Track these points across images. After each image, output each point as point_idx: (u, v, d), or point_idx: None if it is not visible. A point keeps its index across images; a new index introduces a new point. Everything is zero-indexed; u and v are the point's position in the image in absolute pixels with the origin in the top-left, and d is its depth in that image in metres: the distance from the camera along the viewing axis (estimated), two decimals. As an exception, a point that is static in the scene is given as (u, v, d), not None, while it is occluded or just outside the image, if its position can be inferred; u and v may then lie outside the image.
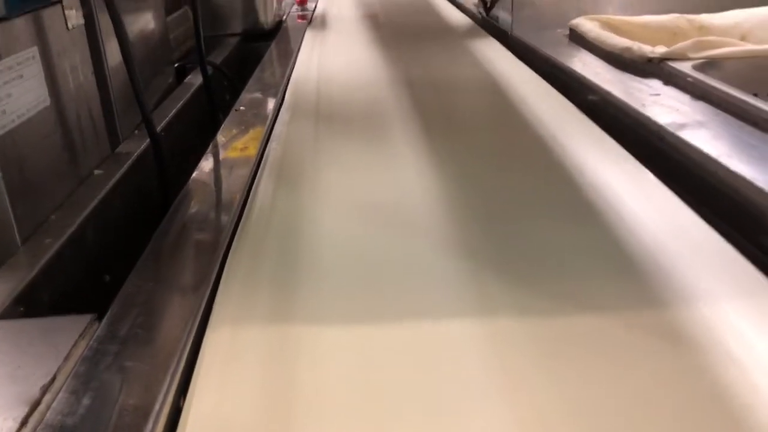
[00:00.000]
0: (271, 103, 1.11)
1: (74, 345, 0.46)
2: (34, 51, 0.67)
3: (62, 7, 0.74)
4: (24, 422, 0.38)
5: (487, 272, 0.57)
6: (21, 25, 0.65)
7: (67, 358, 0.45)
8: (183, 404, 0.43)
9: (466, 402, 0.42)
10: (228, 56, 1.55)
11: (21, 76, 0.64)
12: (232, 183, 0.78)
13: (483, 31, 1.65)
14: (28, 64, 0.66)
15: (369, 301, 0.54)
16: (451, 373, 0.45)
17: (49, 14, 0.71)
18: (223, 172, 0.84)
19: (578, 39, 1.28)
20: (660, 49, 1.00)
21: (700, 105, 0.85)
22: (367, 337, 0.49)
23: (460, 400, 0.42)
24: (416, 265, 0.58)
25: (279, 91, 1.18)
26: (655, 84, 0.96)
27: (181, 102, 1.09)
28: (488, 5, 1.69)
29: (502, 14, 1.59)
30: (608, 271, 0.56)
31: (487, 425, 0.40)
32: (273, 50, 1.58)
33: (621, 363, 0.45)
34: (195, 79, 1.22)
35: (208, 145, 0.92)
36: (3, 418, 0.38)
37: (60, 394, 0.41)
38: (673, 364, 0.45)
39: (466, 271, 0.57)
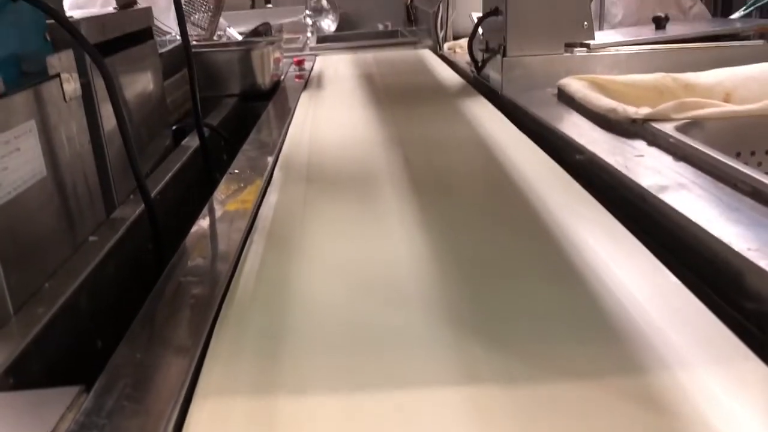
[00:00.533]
0: (266, 164, 1.13)
1: (61, 418, 0.47)
2: (31, 124, 0.69)
3: (60, 80, 0.76)
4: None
5: (472, 337, 0.58)
6: (19, 100, 0.68)
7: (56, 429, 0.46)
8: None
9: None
10: (226, 116, 1.59)
11: (18, 149, 0.67)
12: (224, 247, 0.80)
13: (474, 91, 1.69)
14: (26, 138, 0.68)
15: (355, 369, 0.54)
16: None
17: (47, 87, 0.74)
18: (217, 234, 0.85)
19: (566, 99, 1.31)
20: (644, 111, 1.03)
21: (682, 166, 0.87)
22: (352, 406, 0.50)
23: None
24: (401, 331, 0.59)
25: (274, 151, 1.20)
26: (640, 145, 0.98)
27: (178, 164, 1.12)
28: (479, 65, 1.74)
29: (492, 74, 1.63)
30: (589, 336, 0.57)
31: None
32: (270, 110, 1.62)
33: (601, 429, 0.46)
34: (192, 141, 1.25)
35: (203, 208, 0.94)
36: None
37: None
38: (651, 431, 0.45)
39: (451, 336, 0.58)
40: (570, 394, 0.50)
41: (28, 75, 0.73)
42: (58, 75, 0.76)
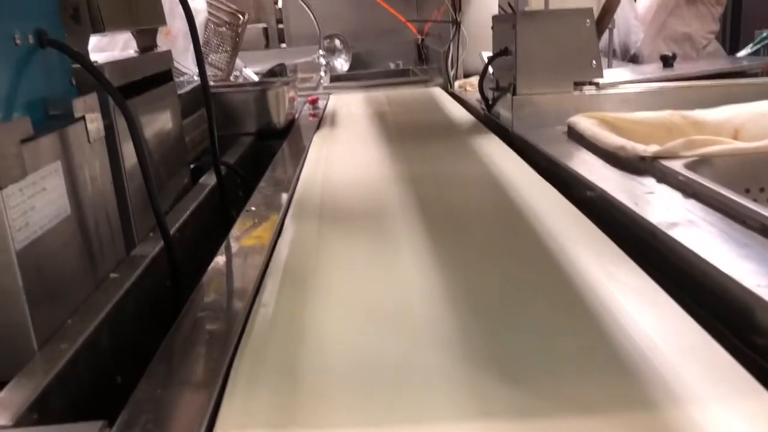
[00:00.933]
0: (281, 202, 1.16)
1: (85, 453, 0.48)
2: (57, 165, 0.72)
3: (85, 122, 0.79)
4: None
5: (485, 373, 0.59)
6: (46, 142, 0.70)
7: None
8: None
9: None
10: (242, 155, 1.62)
11: (44, 189, 0.69)
12: (242, 283, 0.82)
13: (485, 128, 1.71)
14: (52, 178, 0.71)
15: (370, 405, 0.56)
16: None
17: (73, 130, 0.76)
18: (234, 270, 0.87)
19: (576, 136, 1.33)
20: (652, 148, 1.05)
21: (692, 203, 0.88)
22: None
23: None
24: (415, 367, 0.60)
25: (289, 189, 1.23)
26: (649, 182, 1.00)
27: (196, 202, 1.14)
28: (490, 103, 1.77)
29: (503, 112, 1.66)
30: (601, 371, 0.58)
31: None
32: (285, 148, 1.65)
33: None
34: (210, 179, 1.27)
35: (221, 244, 0.96)
36: None
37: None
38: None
39: (465, 372, 0.59)
40: (582, 429, 0.51)
41: (54, 117, 0.76)
42: (82, 117, 0.79)
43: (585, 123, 1.33)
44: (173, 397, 0.57)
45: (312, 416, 0.54)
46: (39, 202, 0.68)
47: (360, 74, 3.39)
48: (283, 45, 3.90)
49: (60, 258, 0.71)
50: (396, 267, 0.84)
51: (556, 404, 0.54)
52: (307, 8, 3.20)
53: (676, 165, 0.99)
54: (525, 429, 0.51)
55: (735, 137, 1.25)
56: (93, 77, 0.79)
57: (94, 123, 0.82)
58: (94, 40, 1.01)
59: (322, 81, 3.06)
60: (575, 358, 0.60)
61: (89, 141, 0.80)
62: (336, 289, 0.78)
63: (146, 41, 1.14)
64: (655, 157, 1.03)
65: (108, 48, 1.59)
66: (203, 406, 0.54)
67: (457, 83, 2.50)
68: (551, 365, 0.59)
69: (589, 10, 1.57)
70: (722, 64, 1.85)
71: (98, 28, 0.90)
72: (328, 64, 3.34)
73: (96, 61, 0.88)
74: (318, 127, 1.89)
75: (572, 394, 0.55)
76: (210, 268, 0.87)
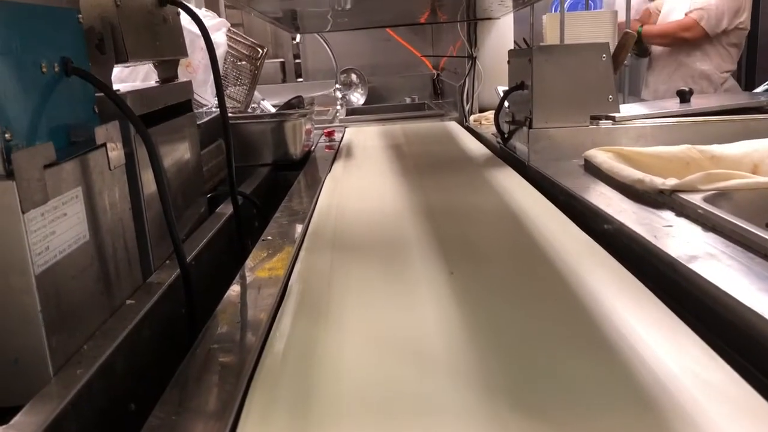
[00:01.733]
0: (296, 232, 1.16)
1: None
2: (78, 191, 0.72)
3: (106, 149, 0.80)
4: None
5: (502, 405, 0.58)
6: (68, 168, 0.71)
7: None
8: None
9: None
10: (259, 185, 1.63)
11: (65, 215, 0.70)
12: (256, 313, 0.81)
13: (501, 161, 1.72)
14: (72, 204, 0.71)
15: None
16: None
17: (94, 156, 0.77)
18: (248, 300, 0.87)
19: (592, 170, 1.33)
20: (671, 181, 1.04)
21: (711, 237, 0.87)
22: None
23: None
24: (431, 398, 0.60)
25: (305, 219, 1.23)
26: (668, 215, 0.99)
27: (212, 231, 1.15)
28: (506, 136, 1.77)
29: (519, 145, 1.66)
30: (623, 405, 0.57)
31: None
32: (301, 179, 1.66)
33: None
34: (226, 209, 1.28)
35: (236, 273, 0.96)
36: None
37: None
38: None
39: (481, 403, 0.58)
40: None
41: (77, 144, 0.76)
42: (104, 145, 0.80)
43: (602, 156, 1.32)
44: (186, 426, 0.56)
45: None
46: (59, 227, 0.68)
47: (376, 108, 3.42)
48: (300, 79, 3.96)
49: (78, 283, 0.71)
50: (411, 299, 0.83)
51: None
52: (324, 43, 3.25)
53: (695, 198, 0.98)
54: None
55: (754, 172, 1.24)
56: (115, 105, 0.80)
57: (116, 151, 0.83)
58: (116, 72, 1.03)
59: (338, 114, 3.09)
60: (596, 391, 0.59)
61: (110, 168, 0.81)
62: (350, 320, 0.78)
63: (167, 72, 1.16)
64: (674, 191, 1.03)
65: (129, 79, 1.62)
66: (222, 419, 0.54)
67: (472, 117, 2.51)
68: (571, 398, 0.58)
69: (606, 45, 1.58)
70: (739, 99, 1.84)
71: (122, 59, 0.91)
72: (344, 97, 3.38)
73: (118, 90, 0.89)
74: (334, 158, 1.90)
75: (593, 427, 0.54)
76: (225, 296, 0.87)
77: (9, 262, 0.62)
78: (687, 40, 2.87)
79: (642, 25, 3.01)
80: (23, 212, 0.61)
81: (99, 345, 0.70)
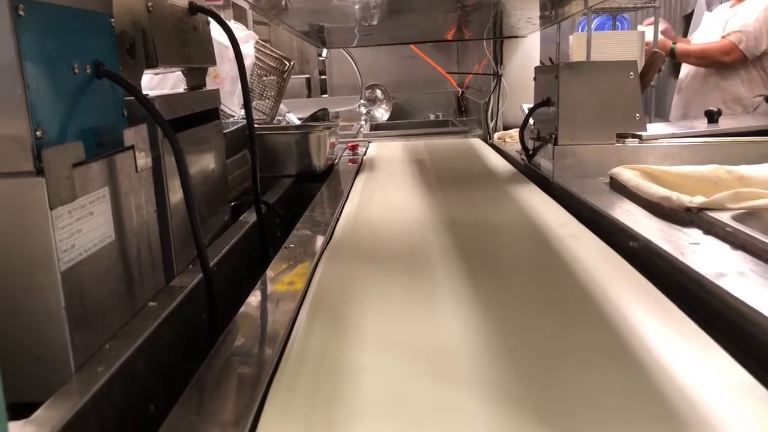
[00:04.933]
0: (318, 241, 1.16)
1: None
2: (105, 191, 0.73)
3: (134, 152, 0.81)
4: None
5: (523, 416, 0.57)
6: (96, 167, 0.72)
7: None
8: None
9: None
10: (282, 195, 1.63)
11: (91, 214, 0.70)
12: (277, 318, 0.81)
13: (525, 178, 1.71)
14: (99, 203, 0.72)
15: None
16: None
17: (122, 158, 0.78)
18: (270, 306, 0.87)
19: (618, 187, 1.32)
20: (698, 199, 1.03)
21: (740, 255, 0.86)
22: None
23: None
24: (452, 409, 0.59)
25: (327, 230, 1.23)
26: (695, 233, 0.98)
27: (236, 238, 1.15)
28: (530, 153, 1.76)
29: (543, 162, 1.65)
30: (647, 419, 0.56)
31: None
32: (324, 191, 1.66)
33: None
34: (249, 217, 1.28)
35: (258, 280, 0.96)
36: None
37: None
38: None
39: (502, 414, 0.57)
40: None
41: (105, 145, 0.77)
42: (132, 147, 0.80)
43: (628, 174, 1.31)
44: (206, 425, 0.56)
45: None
46: (86, 225, 0.69)
47: (400, 123, 3.43)
48: (325, 95, 3.98)
49: (102, 282, 0.72)
50: (434, 309, 0.83)
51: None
52: (350, 59, 3.27)
53: (724, 217, 0.97)
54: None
55: (784, 193, 1.22)
56: (144, 108, 0.81)
57: (143, 153, 0.84)
58: (145, 79, 1.04)
59: (362, 129, 3.10)
60: (621, 405, 0.58)
61: (137, 170, 0.82)
62: (369, 330, 0.77)
63: (195, 80, 1.17)
64: (702, 209, 1.01)
65: (158, 88, 1.64)
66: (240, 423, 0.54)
67: (496, 135, 2.51)
68: (595, 412, 0.57)
69: (633, 63, 1.57)
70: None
71: (152, 64, 0.93)
72: (368, 113, 3.40)
73: (147, 94, 0.90)
74: (357, 172, 1.91)
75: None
76: (246, 302, 0.87)
77: (35, 259, 0.62)
78: (725, 63, 2.83)
79: (675, 43, 2.97)
80: (51, 209, 0.62)
81: (120, 345, 0.70)
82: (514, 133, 2.25)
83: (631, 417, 0.56)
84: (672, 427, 0.54)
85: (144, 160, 0.84)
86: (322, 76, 4.34)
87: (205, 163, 1.11)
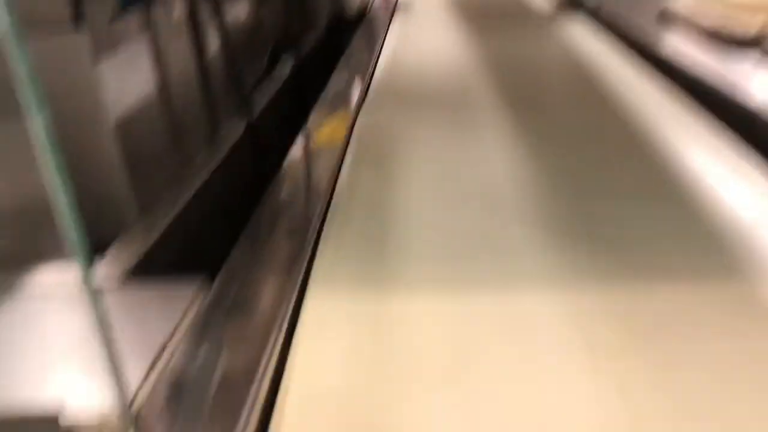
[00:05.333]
0: (357, 87, 1.14)
1: (187, 308, 0.51)
2: (145, 44, 0.73)
3: (171, 3, 0.79)
4: (150, 370, 0.43)
5: (575, 246, 0.58)
6: (134, 21, 0.71)
7: (181, 320, 0.50)
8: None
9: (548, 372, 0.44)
10: (316, 45, 1.59)
11: (134, 66, 0.70)
12: (322, 166, 0.82)
13: (570, 13, 1.62)
14: (140, 56, 0.72)
15: (456, 273, 0.56)
16: (539, 344, 0.47)
17: (157, 10, 0.76)
18: (314, 155, 0.88)
19: (671, 16, 1.25)
20: (757, 20, 0.97)
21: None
22: (457, 307, 0.52)
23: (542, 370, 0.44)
24: (500, 241, 0.60)
25: (366, 74, 1.21)
26: (752, 60, 0.93)
27: (276, 88, 1.14)
28: (576, -15, 1.66)
29: (589, -5, 1.56)
30: (694, 246, 0.57)
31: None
32: (359, 37, 1.61)
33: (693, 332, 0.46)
34: (287, 67, 1.27)
35: (300, 130, 0.96)
36: (133, 366, 0.43)
37: (178, 349, 0.46)
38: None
39: (553, 244, 0.59)
40: (669, 297, 0.50)
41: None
42: (167, -2, 0.78)
43: (682, 1, 1.23)
44: (264, 264, 0.59)
45: (398, 285, 0.55)
46: (130, 79, 0.69)
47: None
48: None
49: (152, 136, 0.73)
50: (478, 144, 0.82)
51: (646, 275, 0.54)
52: None
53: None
54: (609, 296, 0.51)
55: None
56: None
57: (179, 5, 0.82)
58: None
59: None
60: (667, 232, 0.59)
61: (174, 22, 0.80)
62: (417, 169, 0.78)
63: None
64: (760, 34, 0.95)
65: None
66: (296, 272, 0.57)
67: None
68: (641, 239, 0.58)
69: None
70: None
71: None
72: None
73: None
74: (391, 17, 1.84)
75: (661, 264, 0.54)
76: (290, 152, 0.88)
77: (88, 113, 0.63)
78: None
79: None
80: (95, 64, 0.62)
81: (176, 193, 0.72)
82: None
83: (678, 244, 0.57)
84: (717, 252, 0.55)
85: (180, 11, 0.82)
86: None
87: (240, 11, 1.09)
